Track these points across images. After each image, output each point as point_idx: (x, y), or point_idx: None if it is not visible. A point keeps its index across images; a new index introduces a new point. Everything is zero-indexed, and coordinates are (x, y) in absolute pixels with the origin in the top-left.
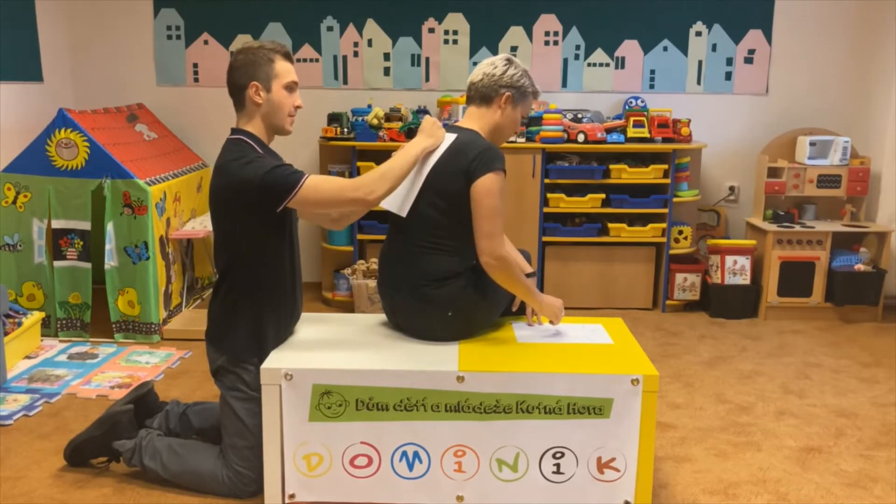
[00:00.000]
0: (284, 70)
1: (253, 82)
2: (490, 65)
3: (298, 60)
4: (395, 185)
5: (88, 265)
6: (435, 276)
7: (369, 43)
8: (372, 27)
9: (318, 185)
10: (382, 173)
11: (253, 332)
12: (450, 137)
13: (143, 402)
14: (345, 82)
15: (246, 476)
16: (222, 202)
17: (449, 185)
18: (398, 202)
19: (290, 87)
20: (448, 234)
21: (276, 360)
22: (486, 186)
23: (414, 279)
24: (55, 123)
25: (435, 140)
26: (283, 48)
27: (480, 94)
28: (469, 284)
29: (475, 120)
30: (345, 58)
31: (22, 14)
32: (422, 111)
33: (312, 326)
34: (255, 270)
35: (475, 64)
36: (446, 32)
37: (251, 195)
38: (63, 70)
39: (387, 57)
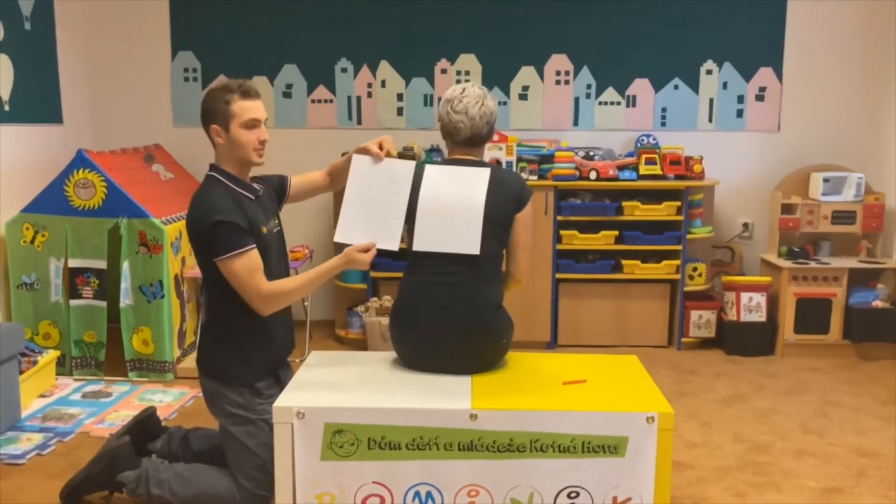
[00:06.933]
0: (242, 109)
1: (212, 125)
2: (478, 104)
3: (313, 101)
4: (295, 299)
5: (104, 304)
6: (493, 305)
7: (383, 84)
8: (385, 68)
9: (242, 269)
10: (290, 291)
11: (240, 357)
12: (483, 171)
13: (144, 427)
14: (358, 122)
15: (256, 495)
16: (191, 235)
17: (507, 217)
18: (460, 242)
19: (249, 125)
20: (499, 262)
21: (288, 399)
22: (528, 217)
23: (477, 310)
24: (74, 164)
25: (355, 265)
26: (243, 87)
27: (481, 139)
28: (505, 309)
29: (477, 156)
30: (358, 98)
31: (44, 58)
32: (434, 150)
33: (325, 364)
34: (234, 300)
35: None
36: (458, 73)
37: (203, 236)
38: (82, 112)
39: (400, 97)
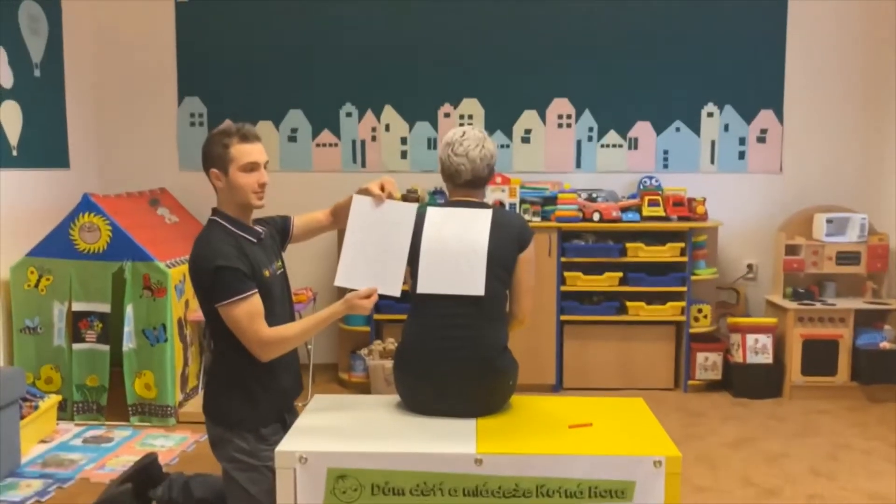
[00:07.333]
0: (240, 153)
1: (212, 169)
2: (478, 147)
3: (318, 145)
4: (296, 345)
5: (107, 348)
6: (499, 346)
7: (387, 128)
8: (389, 113)
9: (243, 314)
10: (290, 337)
11: (245, 402)
12: (485, 212)
13: (146, 473)
14: (363, 165)
15: None
16: (193, 279)
17: (510, 258)
18: (464, 283)
19: (248, 168)
20: (504, 302)
21: (291, 443)
22: (530, 258)
23: (483, 351)
24: (79, 208)
25: (356, 310)
26: (241, 130)
27: (482, 181)
28: (510, 351)
29: (478, 198)
30: (363, 142)
31: (52, 104)
32: (438, 192)
33: (327, 408)
34: (239, 344)
35: None
36: (461, 117)
37: (205, 281)
38: (89, 156)
39: (404, 141)
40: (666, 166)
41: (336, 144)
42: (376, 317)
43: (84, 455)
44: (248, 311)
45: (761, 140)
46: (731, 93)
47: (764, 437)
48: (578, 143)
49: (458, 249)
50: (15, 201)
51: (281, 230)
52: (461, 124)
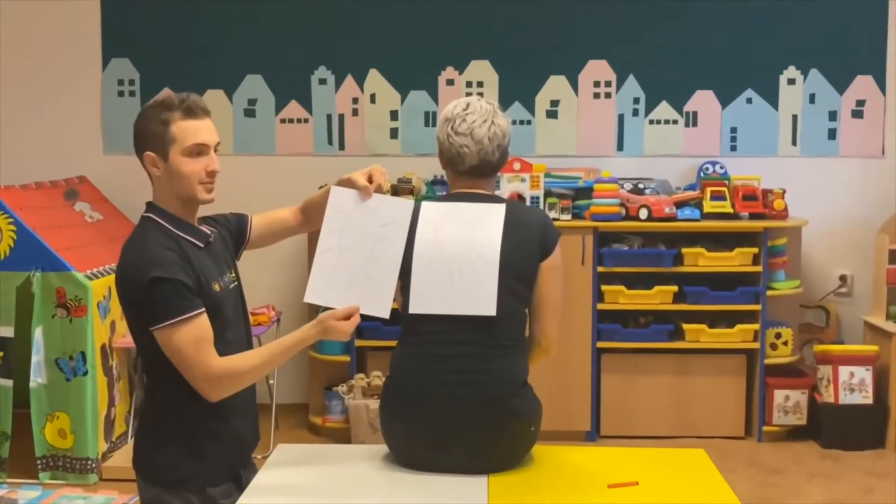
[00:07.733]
0: (184, 131)
1: (147, 152)
2: (486, 123)
3: (283, 121)
4: (254, 381)
5: (9, 383)
6: (517, 382)
7: (372, 98)
8: (375, 79)
9: (185, 340)
10: (247, 370)
11: (189, 454)
12: (497, 208)
13: None
14: (341, 147)
15: None
16: (121, 294)
17: (530, 267)
18: (470, 301)
19: (194, 151)
20: (522, 325)
21: None
22: (557, 266)
23: (496, 388)
24: None
25: (332, 336)
26: (185, 102)
27: (491, 167)
28: (531, 388)
29: (487, 189)
30: (341, 117)
31: None
32: (438, 182)
33: (295, 462)
34: (181, 378)
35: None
36: (469, 84)
37: (137, 296)
38: None
39: (394, 115)
40: (734, 149)
41: (307, 120)
42: (358, 343)
43: None
44: (192, 335)
45: (857, 114)
46: (819, 54)
47: (863, 500)
48: (620, 118)
49: (461, 256)
50: None
51: (235, 232)
52: (468, 94)
